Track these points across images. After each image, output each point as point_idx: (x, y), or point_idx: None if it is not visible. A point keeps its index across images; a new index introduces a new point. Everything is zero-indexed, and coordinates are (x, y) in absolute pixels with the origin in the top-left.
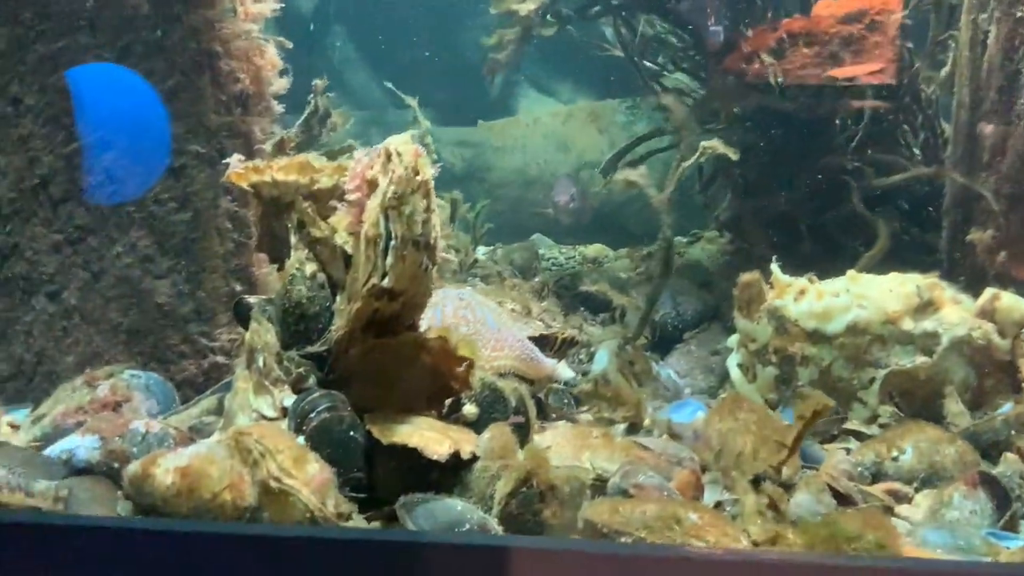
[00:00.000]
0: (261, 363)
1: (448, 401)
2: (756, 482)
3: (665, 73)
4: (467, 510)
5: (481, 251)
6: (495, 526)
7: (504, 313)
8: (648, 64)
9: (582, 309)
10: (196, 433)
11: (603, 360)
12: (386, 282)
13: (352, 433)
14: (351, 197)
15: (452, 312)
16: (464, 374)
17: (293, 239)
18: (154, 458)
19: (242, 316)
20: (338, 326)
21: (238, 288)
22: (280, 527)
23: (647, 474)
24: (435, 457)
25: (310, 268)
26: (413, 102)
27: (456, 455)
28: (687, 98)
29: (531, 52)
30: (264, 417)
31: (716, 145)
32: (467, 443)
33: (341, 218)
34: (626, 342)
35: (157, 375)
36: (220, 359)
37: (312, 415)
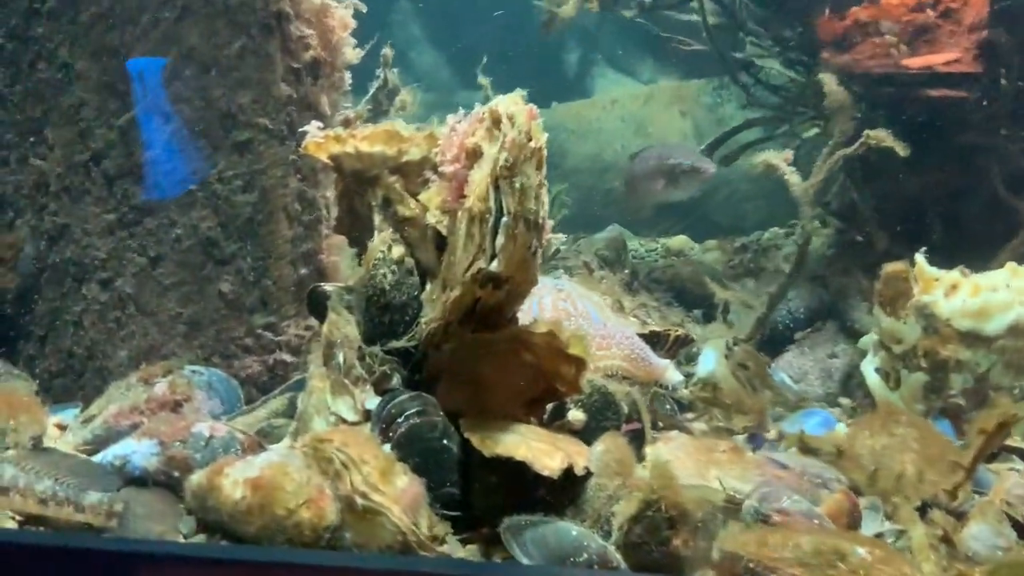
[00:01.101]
0: (341, 359)
1: (550, 406)
2: (922, 509)
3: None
4: (583, 536)
5: (558, 240)
6: (616, 556)
7: (607, 307)
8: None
9: (676, 305)
10: (265, 438)
11: (709, 362)
12: (494, 266)
13: (445, 442)
14: (447, 169)
15: (551, 304)
16: (574, 376)
17: (377, 219)
18: (220, 467)
19: (317, 306)
20: (429, 318)
21: (307, 276)
22: (367, 556)
23: (792, 497)
24: (545, 473)
25: (397, 252)
26: (486, 81)
27: (569, 470)
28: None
29: (609, 29)
30: (343, 421)
31: (882, 136)
32: (579, 456)
33: (433, 194)
34: (735, 342)
35: (220, 371)
36: (286, 356)
37: (400, 420)
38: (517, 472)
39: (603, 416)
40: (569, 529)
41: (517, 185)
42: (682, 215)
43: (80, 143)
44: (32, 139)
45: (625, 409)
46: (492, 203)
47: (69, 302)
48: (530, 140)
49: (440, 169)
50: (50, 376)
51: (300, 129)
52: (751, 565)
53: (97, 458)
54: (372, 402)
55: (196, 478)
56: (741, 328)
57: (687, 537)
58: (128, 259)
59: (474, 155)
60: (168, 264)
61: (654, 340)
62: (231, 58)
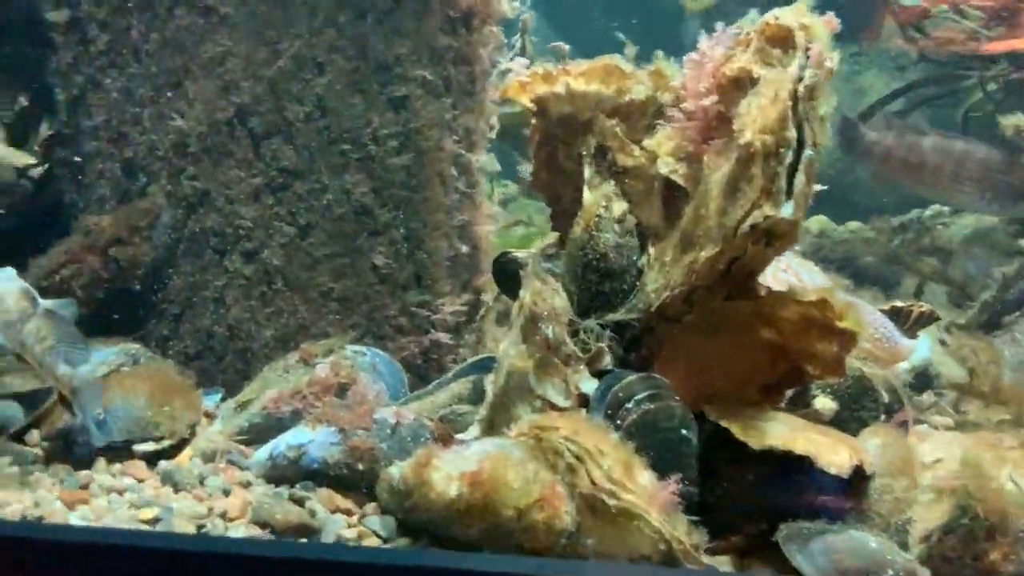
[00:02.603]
0: (550, 334)
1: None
2: None
3: None
4: (885, 548)
5: None
6: (924, 573)
7: (830, 280)
8: None
9: (849, 283)
10: (450, 425)
11: (924, 348)
12: (787, 211)
13: (684, 432)
14: (691, 106)
15: (771, 274)
16: (835, 355)
17: (587, 171)
18: (427, 459)
19: (506, 275)
20: (660, 284)
21: (464, 249)
22: (630, 569)
23: None
24: (833, 471)
25: (618, 208)
26: (631, 51)
27: (858, 468)
28: None
29: None
30: (553, 406)
31: None
32: (861, 452)
33: (664, 139)
34: (949, 328)
35: (383, 352)
36: (442, 336)
37: (630, 406)
38: (784, 469)
39: (859, 405)
40: (866, 540)
41: (821, 112)
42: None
43: (223, 98)
44: (169, 94)
45: (886, 398)
46: (790, 133)
47: (209, 276)
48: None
49: (682, 106)
50: (187, 359)
51: (502, 67)
52: None
53: (265, 449)
54: (587, 384)
55: (396, 471)
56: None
57: (1007, 550)
58: (275, 228)
59: (736, 84)
60: (319, 234)
61: (894, 317)
62: (389, 2)
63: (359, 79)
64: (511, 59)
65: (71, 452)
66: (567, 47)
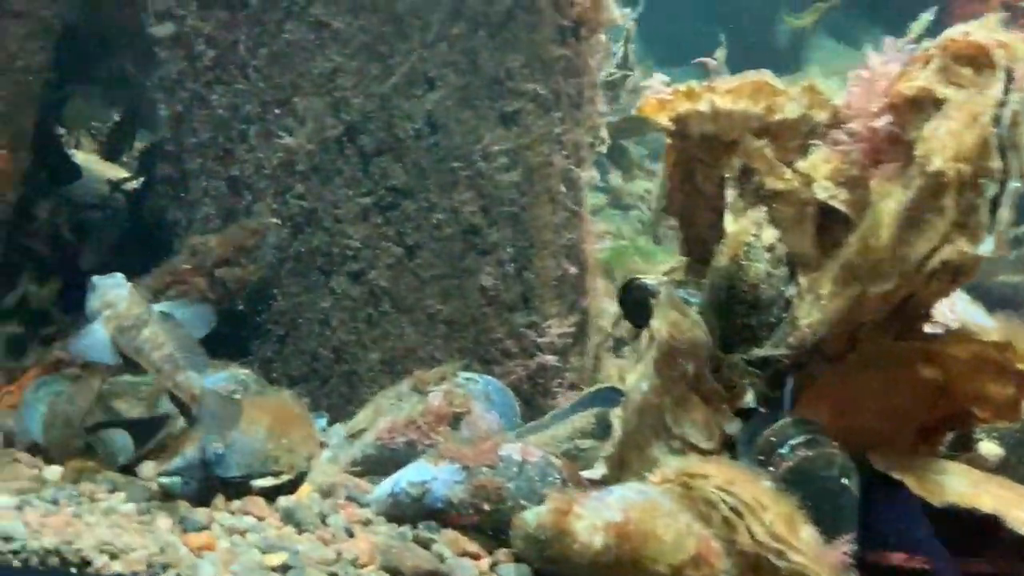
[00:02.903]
0: (689, 369)
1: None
2: None
3: None
4: None
5: None
6: None
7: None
8: None
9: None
10: (572, 462)
11: None
12: (986, 247)
13: (845, 481)
14: (855, 126)
15: None
16: (1013, 397)
17: (730, 195)
18: (568, 506)
19: (635, 303)
20: (816, 319)
21: (571, 269)
22: None
23: None
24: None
25: (768, 236)
26: (720, 55)
27: None
28: None
29: None
30: (693, 448)
31: None
32: None
33: (820, 161)
34: None
35: (495, 380)
36: (550, 358)
37: (784, 451)
38: (965, 528)
39: None
40: None
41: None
42: None
43: (333, 115)
44: (277, 111)
45: None
46: (994, 163)
47: (315, 297)
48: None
49: (846, 126)
50: (290, 381)
51: (642, 84)
52: None
53: (386, 485)
54: (732, 425)
55: (533, 518)
56: None
57: None
58: (383, 248)
59: (915, 104)
60: (427, 254)
61: None
62: (501, 14)
63: (470, 94)
64: (614, 69)
65: (187, 485)
66: (714, 62)
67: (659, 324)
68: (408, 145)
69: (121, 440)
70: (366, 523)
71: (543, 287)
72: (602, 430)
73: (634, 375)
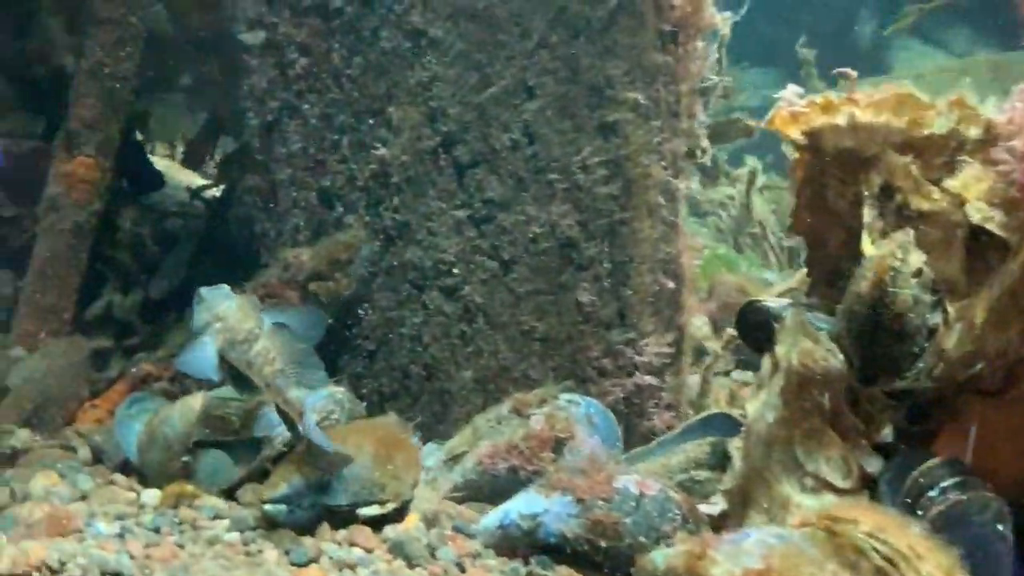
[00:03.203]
0: (824, 401)
1: None
2: None
3: None
4: None
5: None
6: None
7: None
8: None
9: None
10: (688, 494)
11: None
12: None
13: (1000, 527)
14: (1017, 144)
15: None
16: None
17: (868, 215)
18: (701, 549)
19: (752, 326)
20: (970, 351)
21: (668, 285)
22: None
23: None
24: None
25: (915, 260)
26: (809, 54)
27: None
28: None
29: None
30: (830, 487)
31: None
32: None
33: (972, 181)
34: None
35: (596, 402)
36: (648, 379)
37: (934, 494)
38: None
39: None
40: None
41: None
42: None
43: (429, 126)
44: (371, 121)
45: None
46: None
47: (407, 312)
48: None
49: (1008, 144)
50: (380, 399)
51: (775, 95)
52: None
53: (495, 516)
54: (872, 462)
55: (662, 560)
56: None
57: None
58: (477, 263)
59: None
60: (522, 269)
61: None
62: (603, 20)
63: (569, 104)
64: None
65: (292, 514)
66: (855, 73)
67: (786, 351)
68: (505, 156)
69: (220, 462)
70: (475, 556)
71: (641, 303)
72: (718, 460)
73: (755, 403)
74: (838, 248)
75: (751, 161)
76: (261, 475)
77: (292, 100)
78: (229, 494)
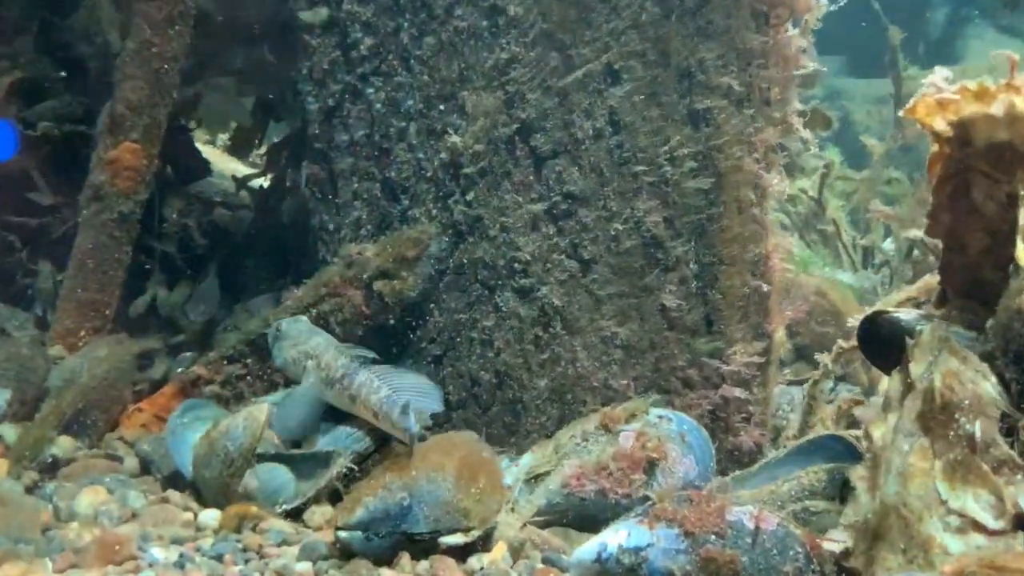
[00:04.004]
0: (975, 431)
1: None
2: None
3: None
4: None
5: None
6: None
7: None
8: None
9: None
10: (806, 528)
11: None
12: None
13: None
14: None
15: None
16: None
17: None
18: None
19: (879, 342)
20: None
21: (758, 289)
22: None
23: None
24: None
25: None
26: (896, 37)
27: None
28: None
29: None
30: (980, 528)
31: None
32: None
33: None
34: None
35: (689, 418)
36: (736, 391)
37: None
38: None
39: None
40: None
41: None
42: None
43: (505, 112)
44: (442, 107)
45: None
46: None
47: (477, 315)
48: None
49: None
50: (446, 407)
51: (925, 80)
52: None
53: (590, 549)
54: None
55: None
56: None
57: None
58: (555, 262)
59: None
60: (603, 269)
61: None
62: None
63: (658, 89)
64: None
65: (369, 542)
66: (1016, 56)
67: (924, 370)
68: (587, 146)
69: (282, 478)
70: None
71: (729, 308)
72: (836, 490)
73: (882, 428)
74: (980, 254)
75: (829, 152)
76: (330, 495)
77: (355, 83)
78: (295, 515)
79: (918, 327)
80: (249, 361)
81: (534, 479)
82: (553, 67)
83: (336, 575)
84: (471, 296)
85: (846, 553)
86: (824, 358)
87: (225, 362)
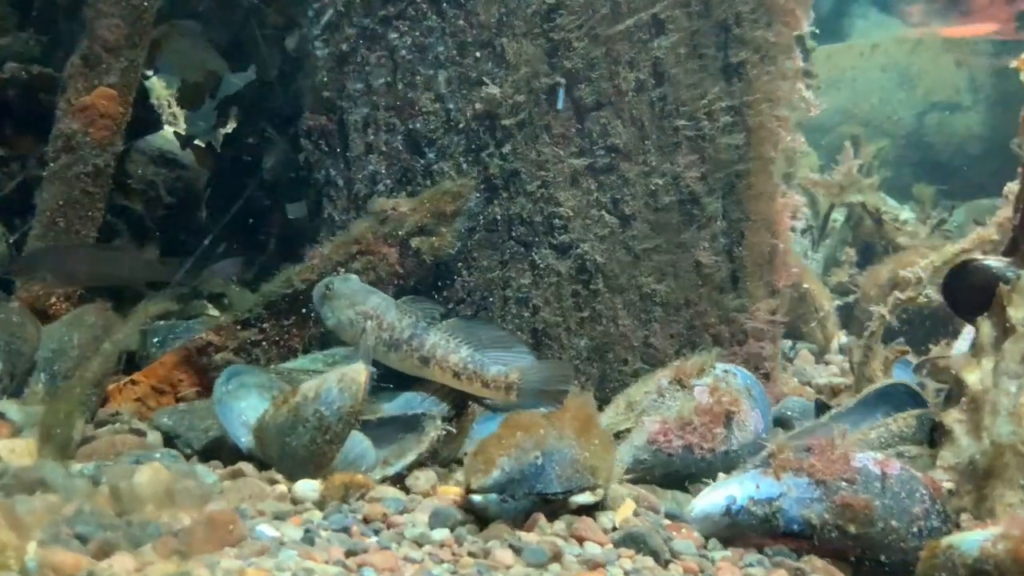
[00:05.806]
0: None
1: None
2: None
3: None
4: None
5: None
6: None
7: None
8: None
9: None
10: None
11: None
12: None
13: None
14: None
15: None
16: None
17: None
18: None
19: (971, 288)
20: None
21: (777, 246)
22: None
23: None
24: None
25: None
26: None
27: None
28: None
29: None
30: None
31: None
32: None
33: None
34: None
35: (749, 373)
36: (760, 346)
37: None
38: None
39: None
40: None
41: None
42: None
43: (546, 61)
44: (478, 55)
45: None
46: None
47: (512, 272)
48: None
49: None
50: None
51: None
52: None
53: (715, 502)
54: None
55: (974, 548)
56: None
57: None
58: (595, 218)
59: None
60: (642, 225)
61: None
62: None
63: (699, 41)
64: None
65: (504, 503)
66: None
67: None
68: (629, 99)
69: (361, 445)
70: (703, 547)
71: (752, 265)
72: (923, 434)
73: (976, 373)
74: None
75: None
76: (430, 457)
77: (375, 27)
78: (396, 482)
79: (1009, 274)
80: (266, 326)
81: (615, 437)
82: (601, 14)
83: (477, 540)
84: (506, 254)
85: (949, 493)
86: (881, 309)
87: (239, 327)
